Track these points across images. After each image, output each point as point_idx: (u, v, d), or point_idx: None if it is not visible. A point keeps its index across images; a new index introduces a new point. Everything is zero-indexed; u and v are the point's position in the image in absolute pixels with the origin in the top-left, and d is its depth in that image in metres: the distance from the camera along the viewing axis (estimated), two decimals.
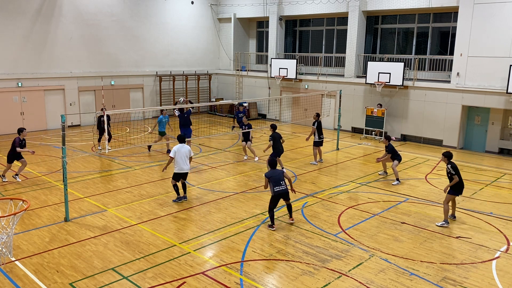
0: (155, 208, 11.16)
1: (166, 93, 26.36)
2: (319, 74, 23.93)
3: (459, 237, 9.76)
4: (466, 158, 17.58)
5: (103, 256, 8.55)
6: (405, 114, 20.54)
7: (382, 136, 20.70)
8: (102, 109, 15.85)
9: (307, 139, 16.43)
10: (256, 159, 16.11)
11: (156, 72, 25.82)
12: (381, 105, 20.70)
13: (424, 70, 21.01)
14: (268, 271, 8.07)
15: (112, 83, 23.78)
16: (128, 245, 9.04)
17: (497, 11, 17.40)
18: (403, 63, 19.82)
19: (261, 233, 9.74)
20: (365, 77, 21.21)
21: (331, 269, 8.14)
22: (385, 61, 21.14)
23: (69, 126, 22.23)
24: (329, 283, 7.66)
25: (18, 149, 12.79)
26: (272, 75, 24.95)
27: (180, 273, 7.92)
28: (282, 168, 16.29)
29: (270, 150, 14.57)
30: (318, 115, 16.04)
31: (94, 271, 7.93)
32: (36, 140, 19.11)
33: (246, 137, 16.15)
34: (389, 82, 20.04)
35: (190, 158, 11.51)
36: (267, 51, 27.16)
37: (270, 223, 9.96)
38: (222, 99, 28.48)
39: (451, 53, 19.54)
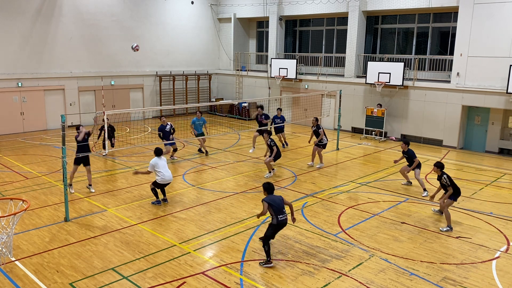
0: (155, 208, 11.16)
1: (166, 93, 26.37)
2: (319, 74, 23.93)
3: (459, 237, 9.76)
4: (466, 158, 17.59)
5: (103, 256, 8.55)
6: (405, 114, 20.54)
7: (382, 136, 20.72)
8: (102, 121, 13.98)
9: (308, 141, 16.33)
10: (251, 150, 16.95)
11: (156, 72, 25.82)
12: (381, 105, 20.70)
13: (424, 70, 21.01)
14: (268, 271, 8.07)
15: (112, 83, 23.78)
16: (128, 245, 9.04)
17: (497, 11, 17.40)
18: (403, 63, 19.81)
19: (261, 233, 9.72)
20: (365, 77, 21.21)
21: (331, 269, 8.14)
22: (385, 61, 21.13)
23: (69, 126, 22.19)
24: (329, 283, 7.66)
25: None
26: (272, 75, 24.95)
27: (180, 273, 7.93)
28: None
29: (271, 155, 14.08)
30: (316, 119, 15.59)
31: (94, 271, 7.93)
32: (36, 140, 19.12)
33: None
34: (389, 82, 20.04)
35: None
36: (267, 51, 27.16)
37: (266, 259, 8.27)
38: (222, 99, 28.49)
39: (451, 53, 19.54)
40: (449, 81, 19.25)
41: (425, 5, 19.75)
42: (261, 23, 28.52)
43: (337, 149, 18.46)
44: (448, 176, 10.28)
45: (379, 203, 11.87)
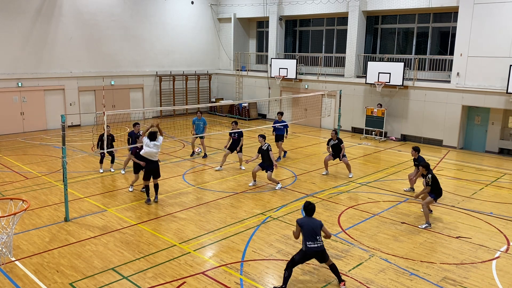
0: (155, 208, 11.16)
1: (166, 93, 26.37)
2: (319, 74, 23.93)
3: (459, 237, 9.76)
4: (466, 158, 17.58)
5: (103, 256, 8.55)
6: (405, 114, 20.54)
7: (382, 136, 20.71)
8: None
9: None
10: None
11: (156, 72, 25.82)
12: (381, 105, 20.70)
13: (424, 70, 21.00)
14: (268, 271, 8.07)
15: (112, 83, 23.78)
16: (128, 245, 9.04)
17: (497, 11, 17.40)
18: (403, 63, 19.81)
19: (261, 233, 9.74)
20: (365, 77, 21.21)
21: None
22: (385, 61, 21.13)
23: (69, 126, 22.22)
24: (329, 283, 7.66)
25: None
26: (272, 75, 24.95)
27: (180, 273, 7.92)
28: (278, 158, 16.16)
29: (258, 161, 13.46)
30: (335, 131, 14.36)
31: (94, 271, 7.93)
32: (36, 140, 19.11)
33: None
34: (389, 82, 20.04)
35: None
36: (267, 51, 27.16)
37: (281, 285, 7.35)
38: (222, 99, 28.48)
39: (451, 53, 19.54)
40: (449, 81, 19.25)
41: (425, 5, 19.75)
42: (261, 23, 28.52)
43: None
44: (433, 177, 10.39)
45: (379, 203, 11.87)
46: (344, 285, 7.52)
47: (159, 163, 11.70)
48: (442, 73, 20.32)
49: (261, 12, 26.37)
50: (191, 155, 16.51)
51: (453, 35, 19.43)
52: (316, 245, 7.32)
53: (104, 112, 11.09)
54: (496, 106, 17.78)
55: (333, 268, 7.57)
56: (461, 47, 18.47)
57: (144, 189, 11.79)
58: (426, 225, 10.22)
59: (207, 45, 28.51)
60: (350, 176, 14.28)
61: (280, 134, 16.06)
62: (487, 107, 18.15)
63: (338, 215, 10.90)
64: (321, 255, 7.43)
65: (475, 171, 15.50)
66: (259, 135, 13.21)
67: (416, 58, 20.87)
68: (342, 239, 9.47)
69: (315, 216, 7.70)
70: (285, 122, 16.18)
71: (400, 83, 19.83)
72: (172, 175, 14.03)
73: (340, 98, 18.98)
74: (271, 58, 25.35)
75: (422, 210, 10.64)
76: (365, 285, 7.62)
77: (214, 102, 27.69)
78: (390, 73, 19.95)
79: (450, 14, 20.29)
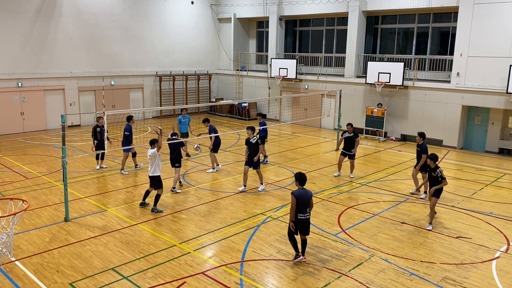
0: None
1: (166, 93, 26.37)
2: (319, 74, 23.93)
3: (459, 237, 9.76)
4: (466, 158, 17.58)
5: (103, 256, 8.55)
6: (405, 114, 20.54)
7: (382, 136, 20.70)
8: (99, 118, 14.16)
9: (336, 149, 15.26)
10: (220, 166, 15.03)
11: (156, 72, 25.82)
12: (381, 105, 20.70)
13: (424, 70, 21.00)
14: (268, 271, 8.07)
15: (112, 83, 23.78)
16: (128, 245, 9.04)
17: (497, 11, 17.40)
18: (403, 63, 19.81)
19: (261, 233, 9.74)
20: (365, 77, 21.21)
21: (331, 269, 8.14)
22: (385, 61, 21.13)
23: (69, 126, 22.23)
24: (329, 283, 7.66)
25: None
26: (272, 75, 24.95)
27: (180, 273, 7.92)
28: (265, 157, 15.89)
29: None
30: (351, 125, 14.00)
31: (94, 271, 7.93)
32: (36, 140, 19.12)
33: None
34: (389, 82, 20.04)
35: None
36: (267, 51, 27.16)
37: (295, 253, 8.41)
38: (222, 99, 28.48)
39: (451, 53, 19.54)
40: (449, 81, 19.25)
41: (425, 5, 19.75)
42: (261, 23, 28.52)
43: (337, 149, 18.36)
44: (441, 170, 10.26)
45: (379, 203, 11.87)
46: (305, 258, 8.40)
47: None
48: (442, 73, 20.32)
49: (261, 12, 26.37)
50: (187, 155, 16.36)
51: (453, 35, 19.44)
52: (305, 217, 8.14)
53: (104, 112, 11.09)
54: (496, 106, 17.78)
55: (304, 243, 8.44)
56: (461, 47, 18.47)
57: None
58: (431, 226, 10.21)
59: (207, 45, 28.51)
60: (351, 176, 14.22)
61: (261, 136, 15.32)
62: (487, 107, 18.15)
63: (338, 215, 10.90)
64: (307, 227, 8.24)
65: (475, 171, 15.50)
66: (247, 127, 12.61)
67: (416, 58, 20.87)
68: (342, 239, 9.47)
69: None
70: (265, 124, 15.68)
71: (400, 83, 19.83)
72: (172, 175, 14.01)
73: (340, 98, 18.98)
74: (271, 58, 25.35)
75: (428, 214, 10.52)
76: (365, 285, 7.62)
77: (214, 102, 27.68)
78: (390, 73, 19.95)
79: (450, 14, 20.29)
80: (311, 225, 10.13)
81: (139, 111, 24.42)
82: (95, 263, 8.23)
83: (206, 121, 14.40)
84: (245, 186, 12.69)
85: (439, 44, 21.39)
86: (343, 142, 14.19)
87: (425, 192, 12.19)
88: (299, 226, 8.12)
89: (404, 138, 20.75)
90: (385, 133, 20.85)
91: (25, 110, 20.93)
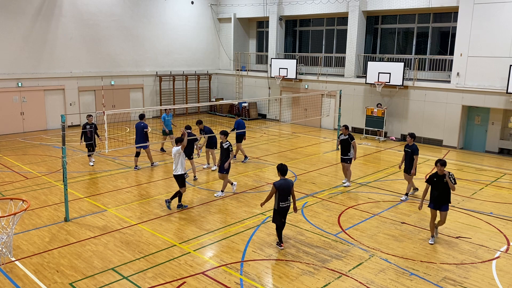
0: (155, 208, 11.16)
1: (166, 93, 26.36)
2: (319, 74, 23.93)
3: (459, 237, 9.75)
4: (466, 158, 17.58)
5: (103, 256, 8.55)
6: (405, 114, 20.54)
7: (382, 136, 20.70)
8: (88, 116, 14.80)
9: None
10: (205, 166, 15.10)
11: (156, 72, 25.82)
12: (381, 105, 20.70)
13: (424, 70, 21.01)
14: (268, 271, 8.07)
15: (112, 83, 23.78)
16: (128, 245, 9.04)
17: (497, 11, 17.40)
18: (403, 63, 19.81)
19: (261, 233, 9.74)
20: (365, 77, 21.21)
21: (331, 269, 8.14)
22: (385, 61, 21.14)
23: (69, 126, 22.23)
24: (329, 283, 7.66)
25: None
26: (272, 75, 24.95)
27: (180, 273, 7.92)
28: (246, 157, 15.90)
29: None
30: (345, 126, 13.15)
31: (94, 271, 7.93)
32: (36, 140, 19.11)
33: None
34: (389, 82, 20.04)
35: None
36: (267, 51, 27.16)
37: (280, 241, 9.02)
38: (222, 99, 28.48)
39: (451, 53, 19.54)
40: (449, 81, 19.25)
41: (425, 5, 19.75)
42: (261, 23, 28.52)
43: (337, 149, 18.42)
44: (452, 174, 9.28)
45: (379, 203, 11.87)
46: (282, 247, 8.95)
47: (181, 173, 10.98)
48: (442, 73, 20.32)
49: (261, 12, 26.37)
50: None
51: (453, 35, 19.44)
52: (286, 205, 8.82)
53: (104, 112, 11.09)
54: (496, 106, 17.78)
55: (281, 228, 9.09)
56: (461, 47, 18.47)
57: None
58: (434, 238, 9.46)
59: (207, 45, 28.51)
60: (343, 182, 13.41)
61: (240, 134, 15.50)
62: (487, 107, 18.15)
63: (338, 215, 10.90)
64: (286, 213, 8.95)
65: (475, 171, 15.50)
66: (220, 132, 12.27)
67: (416, 58, 20.87)
68: (342, 239, 9.46)
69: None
70: (241, 122, 15.61)
71: (400, 83, 19.83)
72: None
73: (340, 98, 18.98)
74: (271, 58, 25.35)
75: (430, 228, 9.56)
76: (365, 285, 7.62)
77: (214, 102, 27.67)
78: (390, 73, 19.95)
79: (450, 14, 20.29)
80: (311, 225, 10.20)
81: (139, 111, 24.38)
82: (95, 263, 8.23)
83: (199, 122, 14.46)
84: (222, 191, 12.22)
85: (439, 44, 21.39)
86: (339, 145, 13.66)
87: (406, 194, 12.17)
88: (282, 213, 8.86)
89: (404, 138, 20.72)
90: (385, 133, 20.85)
91: (25, 110, 20.93)
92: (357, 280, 7.77)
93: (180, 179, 10.90)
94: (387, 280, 7.81)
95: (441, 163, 9.09)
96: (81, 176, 13.92)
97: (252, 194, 12.43)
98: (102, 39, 23.25)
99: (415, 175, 12.11)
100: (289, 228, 9.95)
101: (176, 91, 26.75)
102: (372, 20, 22.73)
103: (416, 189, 12.62)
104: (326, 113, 22.38)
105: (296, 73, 23.90)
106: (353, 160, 13.15)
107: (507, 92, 16.91)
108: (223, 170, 11.99)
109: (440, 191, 9.16)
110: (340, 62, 23.96)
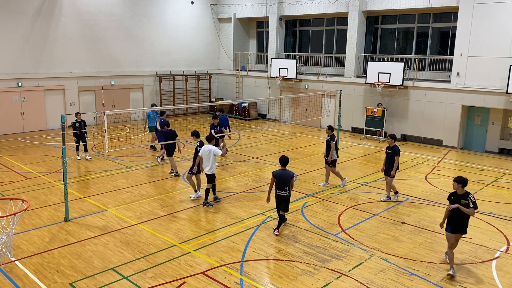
0: (155, 208, 11.16)
1: (166, 93, 26.36)
2: (319, 74, 23.93)
3: None
4: (466, 158, 17.58)
5: (103, 256, 8.55)
6: (405, 114, 20.54)
7: (381, 136, 20.70)
8: (77, 114, 15.65)
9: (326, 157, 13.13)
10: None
11: (156, 72, 25.82)
12: (381, 105, 20.70)
13: (424, 70, 21.01)
14: (268, 271, 8.07)
15: (112, 83, 23.78)
16: (128, 245, 9.04)
17: (497, 11, 17.40)
18: (403, 63, 19.81)
19: (261, 233, 9.74)
20: (365, 77, 21.21)
21: (331, 269, 8.14)
22: (385, 61, 21.14)
23: (69, 126, 22.19)
24: (329, 283, 7.66)
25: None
26: (272, 75, 24.95)
27: (180, 273, 7.92)
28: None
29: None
30: (329, 127, 12.89)
31: (94, 271, 7.93)
32: (36, 140, 19.12)
33: None
34: (389, 82, 20.04)
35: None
36: (267, 51, 27.16)
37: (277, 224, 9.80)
38: (222, 99, 28.48)
39: (451, 53, 19.54)
40: (449, 81, 19.25)
41: (425, 5, 19.75)
42: (261, 23, 28.52)
43: (337, 149, 18.42)
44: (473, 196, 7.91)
45: (379, 203, 11.87)
46: (278, 232, 9.50)
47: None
48: (442, 73, 20.32)
49: (261, 12, 26.37)
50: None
51: (453, 35, 19.43)
52: (283, 194, 9.36)
53: (104, 112, 11.09)
54: (496, 106, 17.78)
55: (281, 219, 9.70)
56: (461, 47, 18.47)
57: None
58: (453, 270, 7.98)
59: (207, 45, 28.51)
60: (321, 185, 13.21)
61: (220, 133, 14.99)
62: (487, 107, 18.15)
63: (338, 215, 10.90)
64: (285, 203, 9.47)
65: (475, 171, 15.50)
66: (191, 133, 11.84)
67: (416, 58, 20.87)
68: (342, 239, 9.47)
69: None
70: (224, 118, 15.63)
71: (400, 83, 19.82)
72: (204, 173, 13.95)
73: (340, 98, 18.96)
74: (271, 58, 25.35)
75: (446, 258, 8.45)
76: (365, 285, 7.62)
77: (214, 102, 27.68)
78: (390, 73, 19.95)
79: (450, 14, 20.29)
80: (311, 225, 10.19)
81: (139, 111, 24.42)
82: (95, 263, 8.23)
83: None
84: (196, 191, 11.90)
85: (439, 44, 21.39)
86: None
87: (388, 197, 11.85)
88: (278, 201, 9.47)
89: (404, 138, 20.74)
90: (385, 133, 20.84)
91: (25, 110, 20.93)
92: (357, 280, 7.77)
93: (212, 177, 11.28)
94: (387, 280, 7.81)
95: (458, 180, 7.80)
96: (81, 176, 13.92)
97: (252, 194, 12.43)
98: (102, 39, 23.25)
99: (393, 177, 11.60)
100: (289, 228, 9.95)
101: (176, 91, 26.76)
102: (372, 20, 22.73)
103: (396, 192, 12.00)
104: (326, 113, 22.37)
105: (296, 73, 23.90)
106: (328, 160, 12.74)
107: (507, 92, 16.91)
108: (195, 171, 11.56)
109: (456, 213, 7.86)
110: (340, 62, 23.96)
